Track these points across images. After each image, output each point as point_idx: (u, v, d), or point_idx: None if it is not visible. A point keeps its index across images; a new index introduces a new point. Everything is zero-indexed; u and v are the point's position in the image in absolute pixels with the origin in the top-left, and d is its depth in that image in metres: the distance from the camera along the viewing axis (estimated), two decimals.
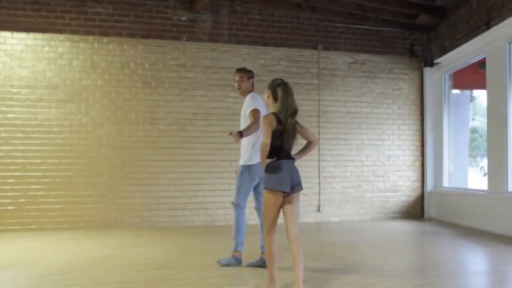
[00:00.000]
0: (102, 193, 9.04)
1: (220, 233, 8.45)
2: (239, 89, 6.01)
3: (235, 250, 5.82)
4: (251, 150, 5.74)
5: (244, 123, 5.81)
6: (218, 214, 9.34)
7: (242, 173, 5.78)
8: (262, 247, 5.79)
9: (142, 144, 9.22)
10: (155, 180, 9.23)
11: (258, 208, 5.92)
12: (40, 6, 8.90)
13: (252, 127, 5.54)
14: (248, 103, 5.77)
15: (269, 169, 4.43)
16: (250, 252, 6.11)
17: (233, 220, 5.87)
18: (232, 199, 5.88)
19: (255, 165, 5.75)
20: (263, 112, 5.73)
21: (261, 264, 5.71)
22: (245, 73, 6.02)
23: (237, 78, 6.00)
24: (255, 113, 5.63)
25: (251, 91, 6.00)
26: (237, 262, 5.80)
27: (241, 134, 5.35)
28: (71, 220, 8.90)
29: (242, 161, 5.82)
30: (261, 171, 5.67)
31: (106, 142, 9.12)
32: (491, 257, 6.75)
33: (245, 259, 5.92)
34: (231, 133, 5.32)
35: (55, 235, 8.17)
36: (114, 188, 9.09)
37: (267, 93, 4.66)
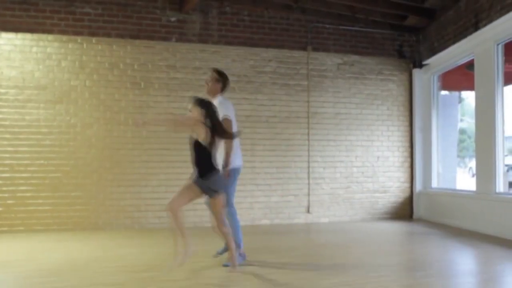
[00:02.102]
0: (91, 195, 9.00)
1: (209, 234, 8.43)
2: (206, 88, 6.11)
3: (239, 248, 5.84)
4: (232, 154, 5.81)
5: None
6: (208, 215, 9.32)
7: (228, 175, 5.80)
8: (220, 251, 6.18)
9: (131, 145, 9.20)
10: (144, 181, 9.21)
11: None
12: (29, 6, 8.87)
13: (229, 144, 5.71)
14: (221, 109, 5.76)
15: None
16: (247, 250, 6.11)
17: (229, 221, 5.80)
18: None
19: (238, 167, 6.01)
20: (233, 117, 6.00)
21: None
22: (216, 74, 6.10)
23: (208, 76, 6.13)
24: (226, 123, 5.69)
25: (219, 94, 6.07)
26: (243, 258, 5.92)
27: (226, 164, 5.71)
28: (60, 221, 8.86)
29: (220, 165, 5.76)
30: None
31: (95, 143, 9.09)
32: (479, 257, 6.79)
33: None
34: (227, 174, 5.69)
35: (44, 237, 8.14)
36: (103, 189, 9.06)
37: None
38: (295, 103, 10.14)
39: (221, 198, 5.21)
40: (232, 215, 5.89)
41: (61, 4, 9.01)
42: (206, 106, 5.16)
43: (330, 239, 8.02)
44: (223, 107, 5.83)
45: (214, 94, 6.03)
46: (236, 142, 5.90)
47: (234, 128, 5.96)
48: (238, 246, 5.81)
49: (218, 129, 5.15)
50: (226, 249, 5.86)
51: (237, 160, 5.96)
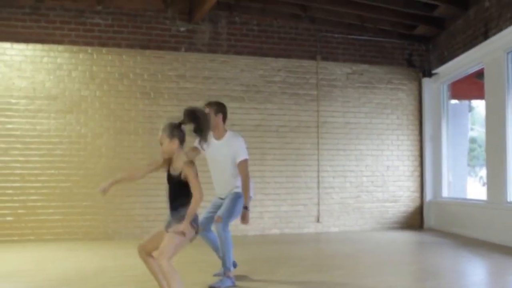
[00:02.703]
0: (101, 204, 8.97)
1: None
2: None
3: (229, 270, 5.52)
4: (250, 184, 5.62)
5: (225, 166, 5.60)
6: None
7: (240, 197, 5.58)
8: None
9: (141, 155, 9.18)
10: (154, 191, 9.09)
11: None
12: (40, 17, 8.93)
13: (247, 185, 5.51)
14: (238, 150, 5.56)
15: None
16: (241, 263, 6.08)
17: (222, 241, 5.47)
18: (221, 214, 5.46)
19: (251, 197, 5.71)
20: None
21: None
22: (213, 107, 5.63)
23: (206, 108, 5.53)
24: (247, 165, 5.55)
25: (225, 129, 5.69)
26: (232, 282, 5.47)
27: (246, 207, 5.46)
28: (70, 231, 8.87)
29: (237, 189, 5.61)
30: None
31: (105, 152, 9.11)
32: (491, 267, 6.74)
33: (238, 272, 5.88)
34: (245, 218, 5.45)
35: (54, 246, 8.16)
36: (113, 199, 8.98)
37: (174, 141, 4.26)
38: (304, 113, 10.13)
39: (181, 227, 4.08)
40: (224, 231, 5.45)
41: (71, 15, 9.07)
42: (178, 130, 4.32)
43: (340, 249, 7.98)
44: (240, 148, 5.58)
45: (218, 129, 5.65)
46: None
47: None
48: (227, 269, 5.48)
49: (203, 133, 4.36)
50: (223, 272, 5.55)
51: (251, 191, 5.68)
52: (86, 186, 8.97)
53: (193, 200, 4.10)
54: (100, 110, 9.16)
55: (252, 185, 5.71)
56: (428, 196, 10.65)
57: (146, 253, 4.33)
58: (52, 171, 8.87)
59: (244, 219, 5.50)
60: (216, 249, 5.79)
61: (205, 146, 5.33)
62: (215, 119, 5.58)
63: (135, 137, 9.24)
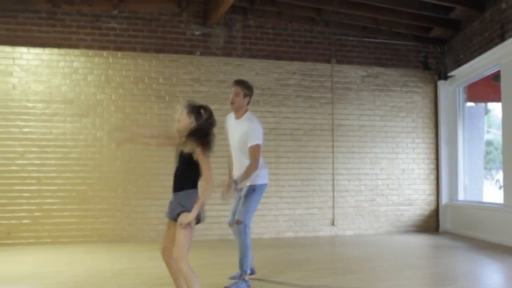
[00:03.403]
0: (116, 207, 9.05)
1: (233, 247, 8.41)
2: (232, 103, 5.63)
3: (246, 274, 5.52)
4: (260, 170, 5.55)
5: (240, 149, 5.59)
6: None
7: (254, 191, 5.57)
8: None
9: (156, 158, 9.18)
10: (169, 194, 8.84)
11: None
12: (56, 21, 9.01)
13: (251, 170, 5.42)
14: (251, 133, 5.51)
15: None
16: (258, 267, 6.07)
17: (240, 243, 5.54)
18: (239, 217, 5.53)
19: (267, 184, 5.71)
20: (262, 140, 5.59)
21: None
22: (243, 89, 5.63)
23: (233, 91, 5.63)
24: (257, 151, 5.45)
25: (247, 110, 5.71)
26: (247, 285, 5.43)
27: (236, 183, 5.34)
28: (86, 234, 8.92)
29: (252, 181, 5.56)
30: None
31: (121, 156, 9.14)
32: (508, 271, 6.67)
33: (255, 275, 5.87)
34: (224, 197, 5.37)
35: (70, 249, 8.20)
36: (128, 202, 9.11)
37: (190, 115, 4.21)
38: (319, 116, 10.11)
39: (187, 219, 4.02)
40: (244, 233, 5.51)
41: (87, 19, 9.13)
42: (197, 112, 4.24)
43: (355, 252, 7.95)
44: (254, 130, 5.50)
45: (241, 110, 5.67)
46: (262, 159, 5.62)
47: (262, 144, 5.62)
48: (244, 272, 5.50)
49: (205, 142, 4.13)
50: (239, 274, 5.60)
51: (266, 177, 5.71)
52: (102, 189, 9.02)
53: (205, 189, 4.05)
54: (115, 114, 9.20)
55: (266, 170, 5.71)
56: (444, 199, 10.56)
57: (168, 256, 4.26)
58: (68, 174, 8.92)
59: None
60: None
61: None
62: (242, 100, 5.62)
63: (149, 141, 9.19)
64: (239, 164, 5.62)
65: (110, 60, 9.25)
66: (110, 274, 6.16)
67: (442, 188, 10.59)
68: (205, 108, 4.25)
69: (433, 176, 10.70)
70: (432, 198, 10.68)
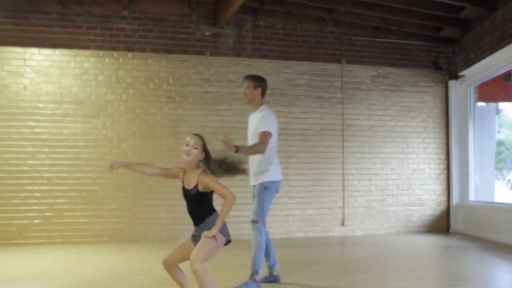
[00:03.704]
0: (127, 207, 9.09)
1: (244, 247, 8.42)
2: (245, 98, 5.73)
3: (257, 274, 5.44)
4: (270, 165, 5.52)
5: (254, 138, 5.57)
6: (242, 228, 9.28)
7: (265, 189, 5.50)
8: (271, 266, 5.68)
9: (166, 159, 9.14)
10: (179, 194, 8.83)
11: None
12: (67, 22, 9.05)
13: (255, 149, 5.39)
14: (261, 121, 5.51)
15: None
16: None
17: (255, 242, 5.47)
18: (253, 217, 5.50)
19: (279, 181, 5.63)
20: (276, 130, 5.58)
21: (272, 279, 5.67)
22: (252, 81, 5.69)
23: (243, 85, 5.68)
24: (265, 136, 5.39)
25: (262, 103, 5.73)
26: (257, 286, 5.39)
27: (237, 149, 5.00)
28: (96, 234, 8.95)
29: (263, 178, 5.52)
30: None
31: (131, 156, 9.15)
32: None
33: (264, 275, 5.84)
34: (225, 141, 4.90)
35: (80, 249, 8.23)
36: (138, 202, 9.14)
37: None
38: (329, 116, 10.09)
39: (217, 237, 4.11)
40: (259, 232, 5.47)
41: (97, 20, 9.17)
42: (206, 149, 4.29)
43: (365, 253, 7.92)
44: (265, 120, 5.50)
45: (256, 103, 5.69)
46: (275, 154, 5.64)
47: (274, 142, 5.59)
48: (255, 272, 5.42)
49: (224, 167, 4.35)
50: (270, 279, 5.66)
51: (278, 174, 5.62)
52: (112, 189, 9.07)
53: (226, 202, 4.08)
54: (125, 114, 9.24)
55: (278, 167, 5.64)
56: (455, 199, 10.51)
57: (171, 265, 4.34)
58: (79, 175, 8.97)
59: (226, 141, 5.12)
60: (266, 254, 5.66)
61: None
62: (254, 92, 5.64)
63: (160, 141, 9.30)
64: (252, 159, 5.59)
65: (121, 60, 9.29)
66: (120, 274, 6.18)
67: (452, 188, 10.55)
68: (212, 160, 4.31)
69: (443, 176, 10.65)
70: (443, 198, 10.62)
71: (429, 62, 10.71)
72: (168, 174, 4.53)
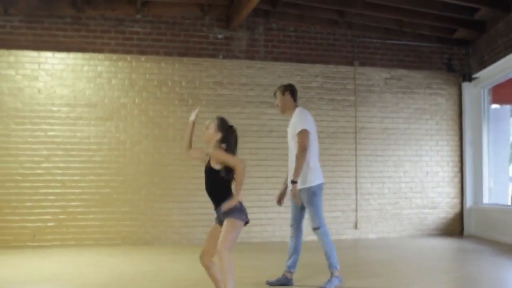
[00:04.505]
0: (140, 210, 9.10)
1: (256, 250, 8.43)
2: (279, 109, 5.87)
3: (336, 269, 5.58)
4: (309, 170, 5.55)
5: (294, 143, 5.61)
6: (255, 231, 9.29)
7: (314, 194, 5.57)
8: (289, 266, 5.74)
9: (179, 161, 9.23)
10: (192, 197, 9.19)
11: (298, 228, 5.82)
12: (80, 26, 9.10)
13: (299, 162, 5.45)
14: (298, 120, 5.61)
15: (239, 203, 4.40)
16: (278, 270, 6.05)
17: (323, 244, 5.58)
18: (314, 225, 5.60)
19: (322, 183, 5.67)
20: (313, 130, 5.64)
21: (284, 282, 5.67)
22: (279, 90, 5.84)
23: (275, 99, 5.87)
24: (303, 135, 5.48)
25: (296, 106, 5.81)
26: (340, 281, 5.58)
27: (293, 182, 5.40)
28: (109, 236, 8.98)
29: (308, 183, 5.57)
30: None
31: (144, 159, 9.20)
32: None
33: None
34: (294, 193, 5.42)
35: (94, 251, 8.27)
36: (151, 204, 9.15)
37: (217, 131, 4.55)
38: (342, 118, 10.07)
39: (234, 222, 4.34)
40: (325, 235, 5.59)
41: (111, 24, 9.22)
42: (225, 129, 4.56)
43: (378, 256, 7.89)
44: (300, 119, 5.60)
45: (289, 108, 5.80)
46: (315, 156, 5.66)
47: (314, 143, 5.66)
48: (335, 268, 5.56)
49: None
50: (282, 281, 5.68)
51: (319, 176, 5.66)
52: (125, 192, 9.09)
53: (237, 172, 4.30)
54: (139, 117, 9.26)
55: (319, 169, 5.67)
56: (469, 202, 10.43)
57: (208, 259, 4.44)
58: (92, 177, 9.00)
59: (293, 194, 5.49)
60: (291, 254, 5.79)
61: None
62: (283, 99, 5.78)
63: (173, 144, 9.30)
64: (291, 164, 5.63)
65: (134, 64, 9.32)
66: (133, 276, 6.20)
67: (466, 191, 10.47)
68: (231, 129, 4.57)
69: (457, 179, 10.58)
70: (457, 201, 10.55)
71: (442, 64, 10.65)
72: (198, 154, 4.80)
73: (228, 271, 4.15)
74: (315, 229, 5.58)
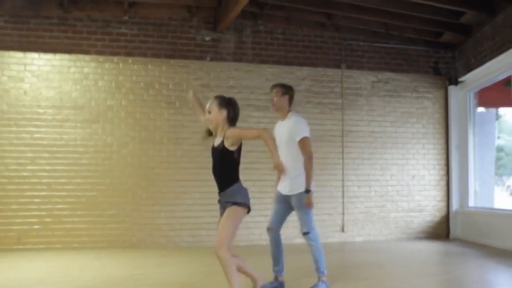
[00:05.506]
0: (126, 213, 9.08)
1: (244, 252, 8.40)
2: (273, 105, 5.81)
3: (324, 274, 5.63)
4: (302, 176, 5.59)
5: (287, 147, 5.59)
6: (242, 234, 9.23)
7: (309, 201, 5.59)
8: (279, 271, 5.77)
9: (166, 164, 9.26)
10: (179, 200, 9.24)
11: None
12: (67, 27, 9.08)
13: (308, 166, 5.56)
14: (296, 128, 5.60)
15: (243, 187, 4.57)
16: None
17: (312, 249, 5.61)
18: (304, 229, 5.61)
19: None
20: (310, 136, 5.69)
21: (277, 286, 5.69)
22: (279, 88, 5.79)
23: (272, 93, 5.77)
24: (307, 142, 5.59)
25: (290, 110, 5.80)
26: (326, 286, 5.62)
27: (308, 191, 5.48)
28: (96, 239, 8.94)
29: (301, 188, 5.59)
30: None
31: (131, 162, 9.18)
32: None
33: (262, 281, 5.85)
34: (308, 202, 5.49)
35: (80, 255, 8.21)
36: (138, 207, 9.13)
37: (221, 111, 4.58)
38: (329, 122, 10.09)
39: (235, 210, 4.43)
40: (314, 240, 5.62)
41: (98, 25, 9.20)
42: (229, 106, 4.65)
43: (365, 259, 7.90)
44: (300, 126, 5.62)
45: (283, 110, 5.78)
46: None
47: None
48: (322, 273, 5.62)
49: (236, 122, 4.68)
50: (273, 284, 5.67)
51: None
52: (112, 195, 9.06)
53: (265, 140, 4.41)
54: (125, 120, 9.24)
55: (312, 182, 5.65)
56: (455, 205, 10.49)
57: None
58: (78, 180, 8.96)
59: (308, 203, 5.52)
60: (274, 254, 5.82)
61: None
62: (281, 100, 5.74)
63: (160, 147, 9.30)
64: (289, 170, 5.48)
65: (121, 65, 9.30)
66: (119, 280, 6.18)
67: (452, 194, 10.54)
68: (231, 100, 4.70)
69: (443, 182, 10.65)
70: (443, 204, 10.61)
71: (429, 68, 10.73)
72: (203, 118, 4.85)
73: (230, 269, 4.17)
74: (305, 233, 5.59)
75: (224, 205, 4.49)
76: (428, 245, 9.53)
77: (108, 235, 9.00)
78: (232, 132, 4.39)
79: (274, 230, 5.79)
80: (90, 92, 9.15)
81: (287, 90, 5.81)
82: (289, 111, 5.80)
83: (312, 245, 5.61)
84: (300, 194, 5.58)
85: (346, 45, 10.30)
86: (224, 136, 4.43)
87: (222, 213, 4.55)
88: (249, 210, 4.48)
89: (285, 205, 5.76)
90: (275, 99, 5.75)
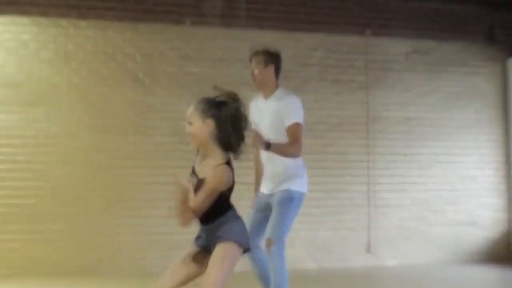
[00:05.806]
0: (76, 228, 8.44)
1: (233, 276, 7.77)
2: (253, 80, 5.37)
3: None
4: (302, 172, 5.28)
5: (273, 130, 5.22)
6: None
7: (291, 200, 5.16)
8: None
9: (131, 162, 8.70)
10: (148, 209, 8.67)
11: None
12: None
13: (288, 150, 5.10)
14: (287, 109, 5.20)
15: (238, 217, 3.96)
16: None
17: (274, 267, 5.05)
18: (270, 235, 5.08)
19: (304, 193, 5.29)
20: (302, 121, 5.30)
21: None
22: (261, 56, 5.34)
23: (252, 64, 5.35)
24: (299, 131, 5.14)
25: (277, 86, 5.38)
26: None
27: (268, 146, 4.86)
28: (34, 263, 8.25)
29: (290, 185, 5.19)
30: None
31: (83, 159, 8.57)
32: None
33: None
34: (256, 137, 4.81)
35: (13, 284, 7.63)
36: (92, 220, 8.50)
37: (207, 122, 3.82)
38: (349, 106, 9.62)
39: (230, 248, 3.88)
40: (279, 255, 5.02)
41: None
42: (216, 111, 3.87)
43: None
44: (291, 108, 5.21)
45: (267, 86, 5.35)
46: (301, 161, 5.30)
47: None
48: None
49: (234, 147, 3.93)
50: None
51: (304, 185, 5.31)
52: (57, 204, 8.44)
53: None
54: (76, 103, 8.67)
55: (306, 176, 5.32)
56: None
57: None
58: (12, 183, 8.32)
59: (254, 139, 4.84)
60: (261, 276, 5.30)
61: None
62: (264, 71, 5.32)
63: (123, 139, 8.76)
64: (273, 164, 5.22)
65: (71, 31, 8.76)
66: None
67: None
68: (225, 103, 3.86)
69: (503, 186, 10.07)
70: (503, 215, 10.04)
71: (483, 34, 10.25)
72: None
73: None
74: (270, 242, 5.00)
75: (210, 239, 3.92)
76: (485, 271, 9.08)
77: (51, 258, 8.32)
78: (215, 175, 3.71)
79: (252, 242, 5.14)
80: (30, 66, 8.57)
81: (270, 59, 5.36)
82: (276, 86, 5.38)
83: (275, 263, 4.98)
84: (286, 191, 5.13)
85: (372, 5, 9.80)
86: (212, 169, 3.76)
87: (203, 251, 3.99)
88: (245, 250, 3.92)
89: (266, 213, 5.29)
90: (256, 71, 5.33)
